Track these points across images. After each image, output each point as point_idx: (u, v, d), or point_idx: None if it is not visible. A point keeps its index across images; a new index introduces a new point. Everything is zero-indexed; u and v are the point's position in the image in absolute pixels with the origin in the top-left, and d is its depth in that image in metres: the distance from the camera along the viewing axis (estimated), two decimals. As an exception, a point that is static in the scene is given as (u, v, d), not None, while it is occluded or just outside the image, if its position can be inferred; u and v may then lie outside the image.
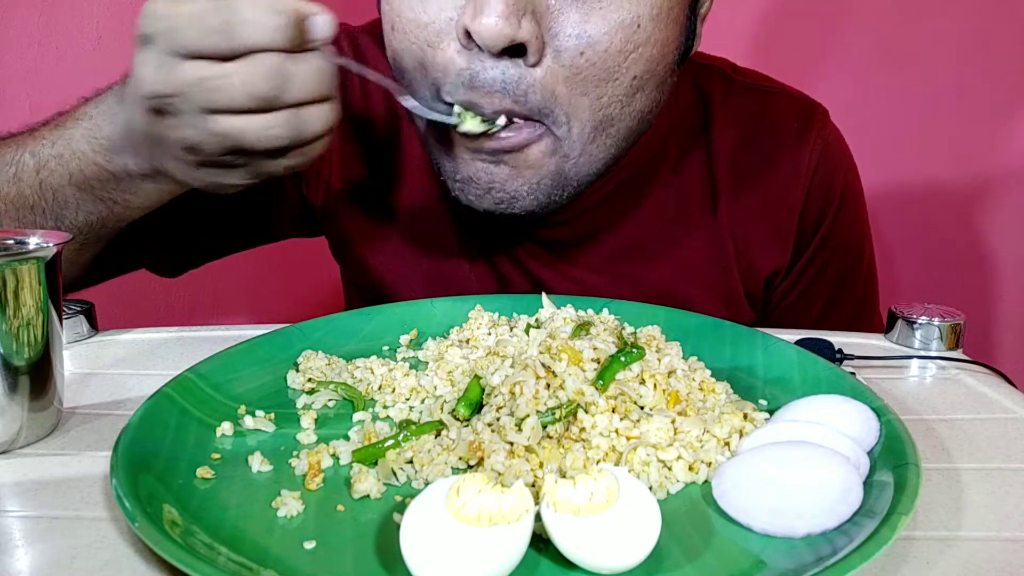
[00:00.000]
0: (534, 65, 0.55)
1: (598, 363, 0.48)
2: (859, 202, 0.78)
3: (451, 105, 0.58)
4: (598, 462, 0.43)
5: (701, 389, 0.50)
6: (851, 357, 0.61)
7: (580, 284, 0.74)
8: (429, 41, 0.56)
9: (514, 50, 0.54)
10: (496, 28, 0.52)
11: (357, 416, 0.50)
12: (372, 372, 0.55)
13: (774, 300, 0.77)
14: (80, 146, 0.56)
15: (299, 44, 0.45)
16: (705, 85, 0.74)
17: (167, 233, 0.71)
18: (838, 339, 0.63)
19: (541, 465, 0.42)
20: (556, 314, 0.58)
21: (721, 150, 0.72)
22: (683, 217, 0.73)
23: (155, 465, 0.42)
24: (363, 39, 0.76)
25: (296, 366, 0.56)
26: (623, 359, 0.48)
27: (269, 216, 0.77)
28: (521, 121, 0.57)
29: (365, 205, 0.76)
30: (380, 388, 0.53)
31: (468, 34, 0.54)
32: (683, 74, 0.66)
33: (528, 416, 0.44)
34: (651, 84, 0.58)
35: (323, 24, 0.45)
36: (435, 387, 0.53)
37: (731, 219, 0.72)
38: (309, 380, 0.54)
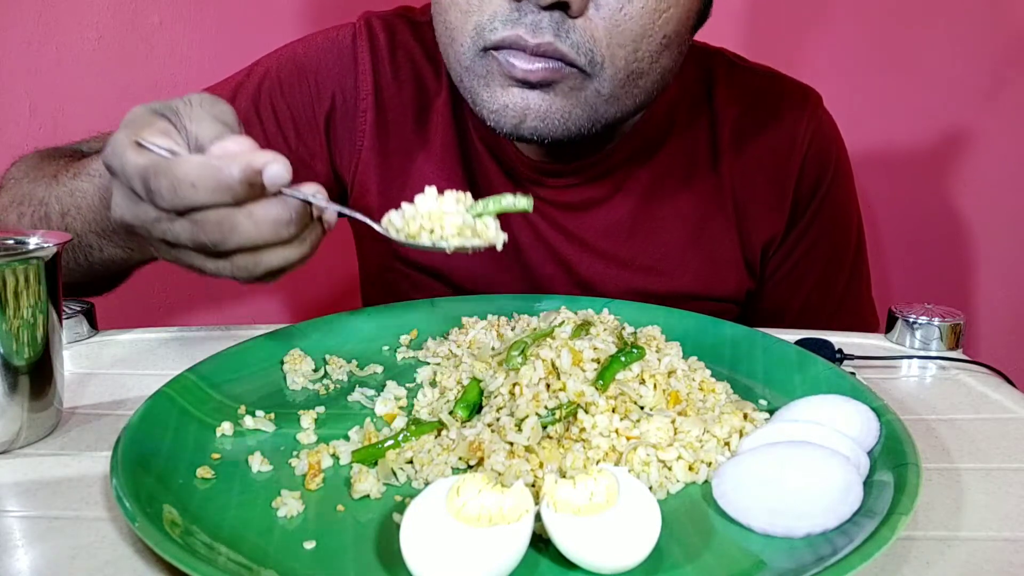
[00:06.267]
0: (576, 16, 0.59)
1: (598, 363, 0.48)
2: (850, 183, 0.82)
3: (487, 50, 0.61)
4: (598, 462, 0.43)
5: (701, 389, 0.50)
6: (851, 357, 0.61)
7: (590, 248, 0.77)
8: None
9: (560, 4, 0.58)
10: None
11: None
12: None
13: (769, 270, 0.81)
14: (93, 201, 0.60)
15: (253, 195, 0.44)
16: (711, 64, 0.79)
17: None
18: (838, 339, 0.63)
19: (541, 465, 0.42)
20: (555, 314, 0.58)
21: (724, 119, 0.77)
22: (687, 180, 0.77)
23: (155, 465, 0.42)
24: (398, 24, 0.80)
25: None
26: (623, 359, 0.48)
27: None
28: (556, 63, 0.60)
29: (390, 174, 0.79)
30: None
31: None
32: (690, 55, 0.70)
33: (528, 416, 0.44)
34: (675, 45, 0.64)
35: (277, 173, 0.44)
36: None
37: (732, 179, 0.77)
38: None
